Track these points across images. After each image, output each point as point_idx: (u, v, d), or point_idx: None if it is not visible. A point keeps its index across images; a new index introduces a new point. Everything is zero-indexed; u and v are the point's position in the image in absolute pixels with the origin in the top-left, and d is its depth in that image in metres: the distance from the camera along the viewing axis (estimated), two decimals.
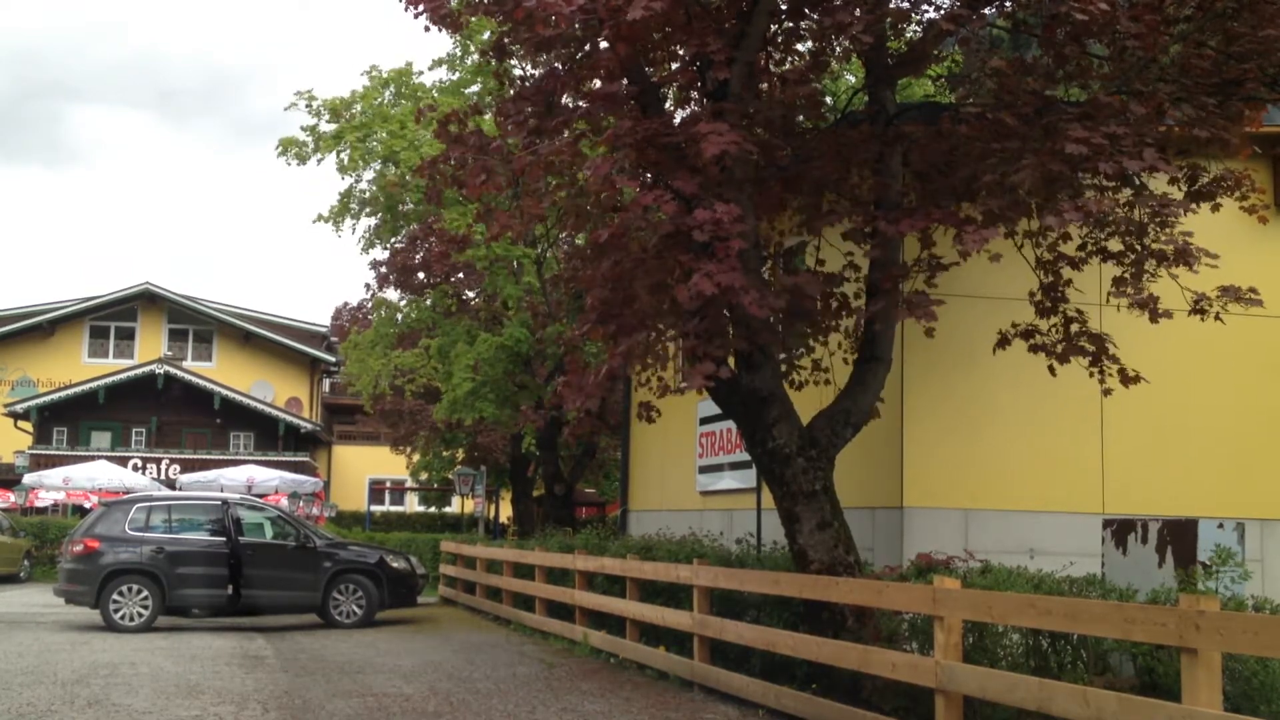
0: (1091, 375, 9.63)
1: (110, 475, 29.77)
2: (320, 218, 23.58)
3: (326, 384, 44.48)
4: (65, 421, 37.02)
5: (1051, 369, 9.68)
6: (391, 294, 25.36)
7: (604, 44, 8.51)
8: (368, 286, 25.76)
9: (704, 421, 15.11)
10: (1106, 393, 9.73)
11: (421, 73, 23.82)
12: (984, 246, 7.76)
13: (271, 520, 16.34)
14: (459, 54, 22.61)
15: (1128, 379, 9.57)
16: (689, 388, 8.29)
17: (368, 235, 24.18)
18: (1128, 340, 9.96)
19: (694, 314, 8.38)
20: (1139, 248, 8.58)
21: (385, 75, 23.44)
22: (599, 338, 9.72)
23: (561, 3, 7.64)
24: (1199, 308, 8.74)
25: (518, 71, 10.98)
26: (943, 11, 9.18)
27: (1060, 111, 8.26)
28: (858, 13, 8.28)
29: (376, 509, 37.87)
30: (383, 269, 23.86)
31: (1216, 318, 8.80)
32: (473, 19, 9.91)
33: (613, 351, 9.00)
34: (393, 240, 23.94)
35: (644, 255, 8.95)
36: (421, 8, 9.38)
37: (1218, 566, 7.64)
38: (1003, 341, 9.75)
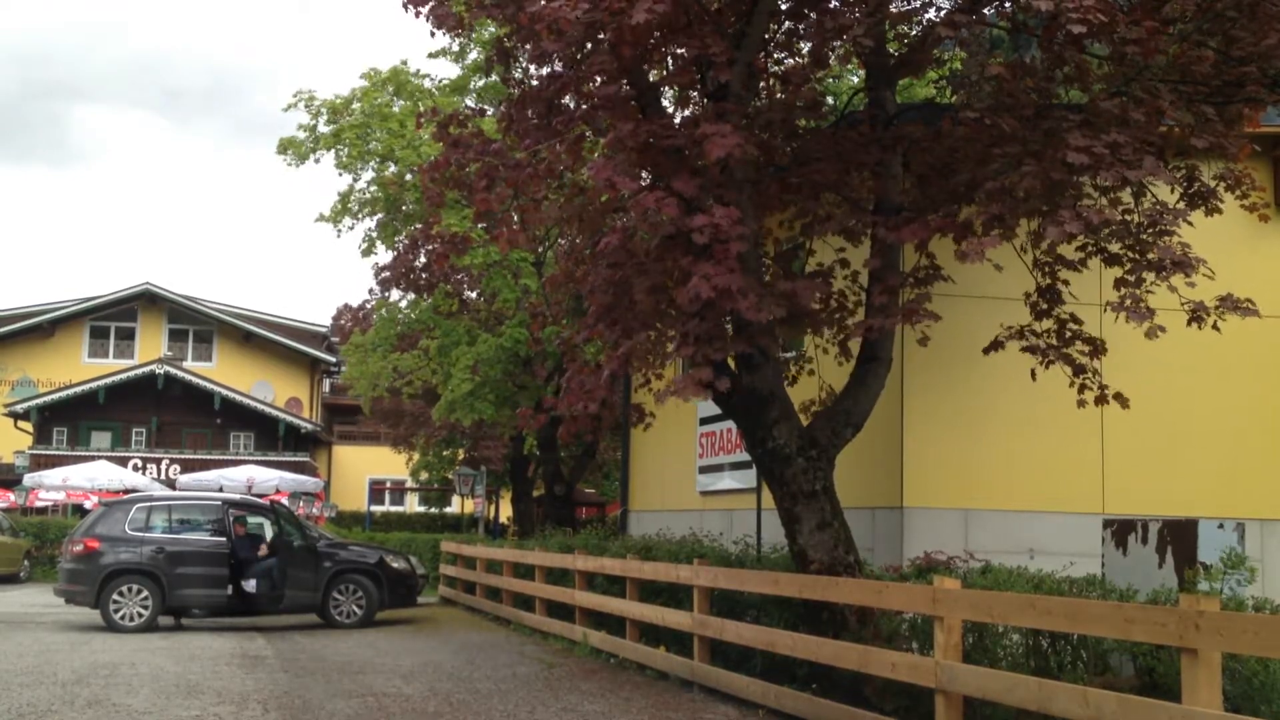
0: (1072, 385, 9.58)
1: (110, 475, 29.76)
2: (322, 217, 23.69)
3: (326, 384, 44.47)
4: (65, 421, 37.00)
5: (1033, 374, 9.61)
6: (394, 295, 25.39)
7: (606, 47, 8.49)
8: (371, 292, 25.77)
9: (704, 421, 15.11)
10: (1081, 404, 9.65)
11: (422, 74, 23.80)
12: (984, 258, 7.74)
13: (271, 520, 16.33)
14: (459, 50, 22.62)
15: (1104, 398, 9.52)
16: (681, 398, 8.21)
17: (368, 237, 24.20)
18: (1127, 340, 9.94)
19: (693, 315, 8.37)
20: (1137, 255, 8.57)
21: (384, 75, 23.44)
22: (598, 336, 9.72)
23: (566, 7, 7.62)
24: (1196, 316, 8.73)
25: (518, 74, 10.96)
26: (942, 14, 9.17)
27: (1060, 116, 8.25)
28: (858, 14, 8.28)
29: (376, 509, 37.88)
30: (386, 273, 23.93)
31: (1214, 327, 8.79)
32: (475, 18, 9.89)
33: (612, 354, 9.00)
34: (396, 240, 23.94)
35: (644, 259, 8.95)
36: (423, 9, 9.38)
37: (1226, 569, 7.62)
38: (995, 345, 9.70)
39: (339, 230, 24.01)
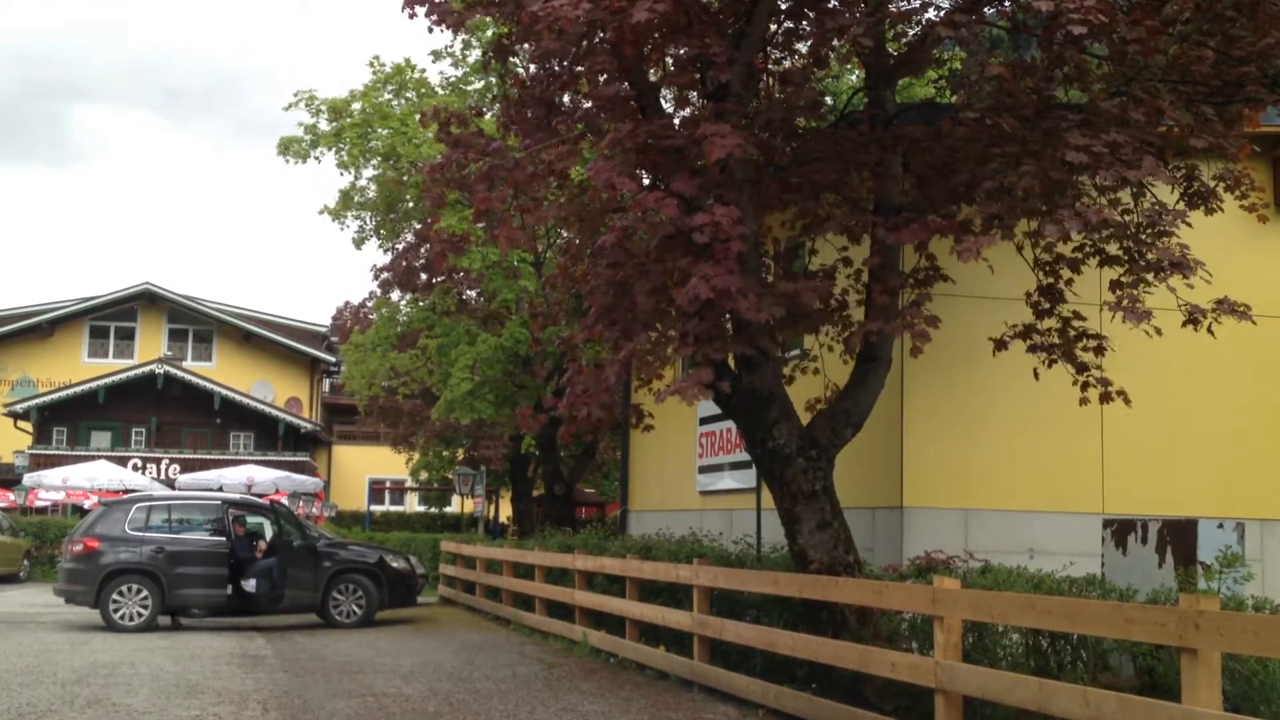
0: (1075, 383, 9.58)
1: (110, 475, 29.75)
2: (326, 209, 23.73)
3: (326, 384, 44.46)
4: (65, 421, 37.00)
5: (1036, 373, 9.62)
6: (394, 295, 25.39)
7: (607, 46, 8.49)
8: (372, 294, 25.86)
9: (704, 421, 15.12)
10: (1083, 403, 9.66)
11: (424, 70, 23.84)
12: (980, 256, 7.73)
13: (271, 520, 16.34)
14: (460, 51, 22.64)
15: (1108, 396, 9.51)
16: (683, 399, 8.20)
17: (361, 229, 24.31)
18: (1127, 340, 9.94)
19: (692, 315, 8.37)
20: (1135, 256, 8.57)
21: (389, 71, 23.46)
22: (598, 337, 9.72)
23: (566, 6, 7.62)
24: (1193, 319, 8.73)
25: (519, 72, 10.97)
26: (941, 14, 9.17)
27: (1060, 116, 8.25)
28: (858, 14, 8.28)
29: (376, 509, 37.88)
30: (385, 274, 23.97)
31: (1209, 330, 8.79)
32: (474, 19, 9.89)
33: (613, 357, 8.99)
34: (394, 243, 23.97)
35: (644, 260, 8.94)
36: (420, 8, 9.36)
37: (1222, 568, 7.62)
38: (1000, 344, 9.72)
39: (342, 225, 24.10)
